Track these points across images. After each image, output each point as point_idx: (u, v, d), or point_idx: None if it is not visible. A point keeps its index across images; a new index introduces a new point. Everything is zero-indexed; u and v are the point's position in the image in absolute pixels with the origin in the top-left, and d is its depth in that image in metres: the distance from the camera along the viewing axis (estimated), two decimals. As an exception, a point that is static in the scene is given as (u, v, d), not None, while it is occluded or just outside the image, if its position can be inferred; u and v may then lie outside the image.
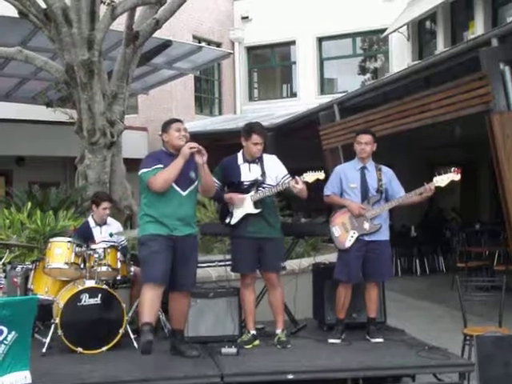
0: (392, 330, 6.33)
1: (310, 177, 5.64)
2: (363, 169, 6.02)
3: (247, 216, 5.73)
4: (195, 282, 5.56)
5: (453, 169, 5.75)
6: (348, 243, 5.90)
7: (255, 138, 5.74)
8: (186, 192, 5.30)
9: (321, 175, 5.68)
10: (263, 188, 5.72)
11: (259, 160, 5.82)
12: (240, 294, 5.91)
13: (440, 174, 5.76)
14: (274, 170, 5.81)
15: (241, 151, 5.89)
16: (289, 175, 5.75)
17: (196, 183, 5.38)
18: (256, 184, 5.73)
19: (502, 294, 5.74)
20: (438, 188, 5.78)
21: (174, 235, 5.24)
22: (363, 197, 5.94)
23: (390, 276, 6.22)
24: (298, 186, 5.54)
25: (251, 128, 5.84)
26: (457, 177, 5.73)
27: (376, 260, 5.90)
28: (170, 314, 5.53)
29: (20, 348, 4.20)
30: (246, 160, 5.82)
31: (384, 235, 5.96)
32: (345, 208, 5.97)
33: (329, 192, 6.04)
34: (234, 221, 5.78)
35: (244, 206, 5.72)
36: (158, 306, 5.30)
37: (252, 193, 5.72)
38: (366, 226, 5.88)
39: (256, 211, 5.70)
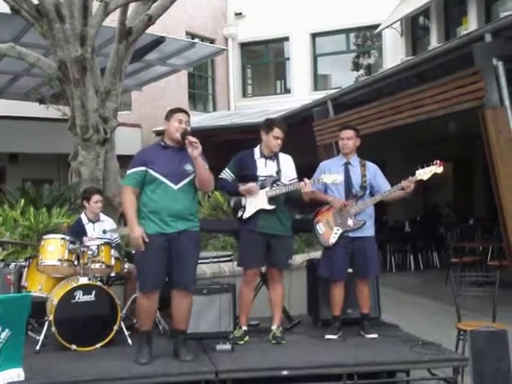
0: (386, 326, 6.34)
1: (328, 178, 5.68)
2: (347, 164, 6.03)
3: (260, 211, 5.72)
4: (195, 281, 5.37)
5: (435, 161, 5.75)
6: (332, 240, 5.91)
7: (277, 131, 5.76)
8: (179, 185, 5.17)
9: (339, 178, 5.73)
10: (278, 185, 5.72)
11: (275, 157, 5.83)
12: (239, 291, 5.89)
13: (422, 167, 5.76)
14: (287, 170, 5.83)
15: (258, 146, 5.89)
16: (297, 179, 5.76)
17: (192, 176, 5.23)
18: (272, 181, 5.73)
19: (496, 289, 5.75)
20: (422, 181, 5.77)
21: (166, 232, 5.15)
22: (347, 193, 5.95)
23: (376, 273, 6.18)
24: (306, 188, 5.58)
25: (273, 122, 5.90)
26: (439, 169, 5.73)
27: (362, 256, 5.90)
28: (171, 312, 5.39)
29: (13, 346, 4.18)
30: (262, 155, 5.83)
31: (369, 231, 5.96)
32: (328, 205, 5.98)
33: (313, 188, 6.03)
34: (246, 215, 5.76)
35: (258, 201, 5.71)
36: (154, 312, 5.39)
37: (267, 188, 5.71)
38: (350, 222, 5.88)
39: (270, 207, 5.70)
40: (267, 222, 5.72)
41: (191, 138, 5.09)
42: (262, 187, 5.73)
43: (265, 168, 5.80)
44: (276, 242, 5.74)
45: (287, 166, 5.86)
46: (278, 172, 5.79)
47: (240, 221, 5.83)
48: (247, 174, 5.80)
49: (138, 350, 5.20)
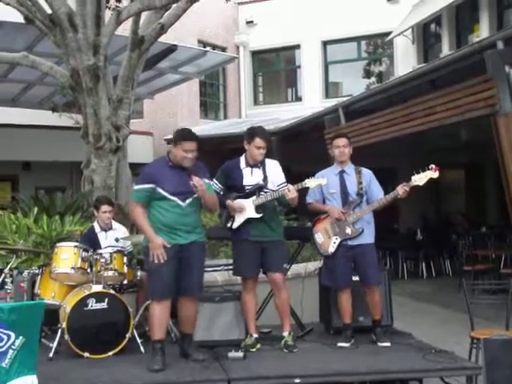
0: (399, 334, 6.31)
1: (312, 182, 5.67)
2: (342, 173, 6.03)
3: (249, 220, 5.74)
4: (202, 287, 5.57)
5: (431, 166, 5.73)
6: (331, 249, 5.91)
7: (258, 141, 5.74)
8: (187, 202, 5.34)
9: (323, 181, 5.73)
10: (265, 192, 5.73)
11: (261, 164, 5.83)
12: (242, 299, 5.90)
13: (418, 173, 5.75)
14: (275, 176, 5.82)
15: (243, 155, 5.89)
16: (286, 184, 5.74)
17: (197, 194, 5.37)
18: (258, 188, 5.74)
19: (509, 297, 5.73)
20: (418, 186, 5.76)
21: (178, 243, 5.29)
22: (343, 201, 5.95)
23: (378, 279, 6.06)
24: (291, 194, 5.55)
25: (254, 131, 5.85)
26: (435, 174, 5.71)
27: (362, 264, 5.89)
28: (178, 317, 5.55)
29: (27, 353, 4.21)
30: (248, 164, 5.83)
31: (368, 238, 5.94)
32: (327, 214, 5.98)
33: (310, 200, 6.05)
34: (235, 225, 5.80)
35: (246, 211, 5.73)
36: (167, 320, 5.44)
37: (254, 197, 5.73)
38: (348, 230, 5.88)
39: (257, 216, 5.71)
40: (258, 230, 5.74)
41: (195, 182, 5.20)
42: (249, 196, 5.73)
43: (251, 176, 5.79)
44: (269, 247, 5.74)
45: (274, 171, 5.84)
46: (265, 179, 5.78)
47: (230, 230, 5.85)
48: (234, 184, 5.81)
49: (151, 358, 5.23)
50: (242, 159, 5.88)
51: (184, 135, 5.35)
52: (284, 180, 5.82)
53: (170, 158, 5.40)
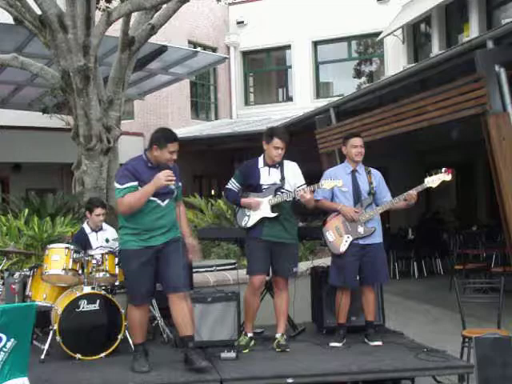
0: (391, 333, 6.33)
1: (328, 184, 5.69)
2: (354, 172, 6.03)
3: (263, 219, 5.75)
4: (188, 284, 5.43)
5: (443, 169, 5.75)
6: (343, 248, 5.90)
7: (276, 141, 5.77)
8: (165, 202, 5.23)
9: (339, 182, 5.75)
10: (281, 193, 5.75)
11: (279, 165, 5.85)
12: (244, 298, 5.90)
13: (431, 175, 5.77)
14: (293, 178, 5.85)
15: (262, 155, 5.93)
16: (305, 185, 5.77)
17: (175, 193, 5.29)
18: (275, 188, 5.76)
19: (500, 296, 5.74)
20: (431, 188, 5.79)
21: (155, 245, 5.18)
22: (355, 200, 5.95)
23: (387, 278, 6.19)
24: (307, 196, 5.60)
25: (273, 132, 5.89)
26: (448, 177, 5.74)
27: (371, 263, 5.90)
28: (173, 321, 5.36)
29: (19, 355, 4.19)
30: (266, 164, 5.86)
31: (378, 238, 5.96)
32: (337, 212, 5.98)
33: (319, 197, 6.02)
34: (250, 223, 5.80)
35: (261, 210, 5.74)
36: (146, 323, 5.40)
37: (270, 196, 5.74)
38: (361, 229, 5.89)
39: (273, 215, 5.73)
40: (272, 230, 5.75)
41: (165, 175, 5.06)
42: (265, 195, 5.76)
43: (268, 176, 5.83)
44: (281, 250, 5.76)
45: (292, 173, 5.88)
46: (282, 180, 5.81)
47: (245, 229, 5.87)
48: (251, 183, 5.85)
49: (134, 361, 5.19)
50: (261, 159, 5.92)
51: (168, 136, 5.19)
52: (303, 182, 5.84)
53: (148, 158, 5.24)
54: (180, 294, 5.22)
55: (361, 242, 5.89)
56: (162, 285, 5.30)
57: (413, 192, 5.77)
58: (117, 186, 5.17)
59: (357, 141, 6.05)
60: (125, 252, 5.26)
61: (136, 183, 5.11)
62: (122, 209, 5.14)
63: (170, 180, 5.05)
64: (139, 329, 5.29)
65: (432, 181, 5.76)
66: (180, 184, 5.34)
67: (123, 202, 5.10)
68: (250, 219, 5.80)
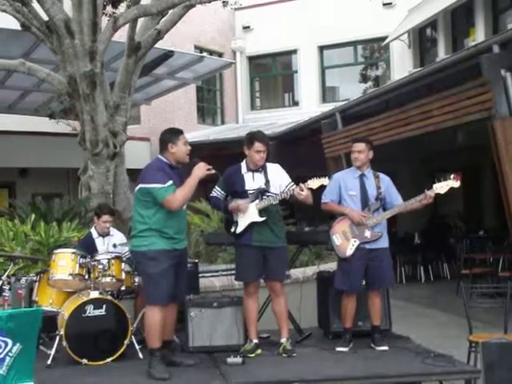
0: (397, 338, 6.30)
1: (315, 183, 5.67)
2: (362, 176, 6.02)
3: (252, 225, 5.73)
4: (197, 288, 5.78)
5: (452, 176, 5.74)
6: (349, 252, 5.89)
7: (257, 145, 5.74)
8: (185, 206, 5.40)
9: (325, 181, 5.72)
10: (267, 196, 5.73)
11: (263, 169, 5.83)
12: (243, 304, 5.90)
13: (439, 181, 5.76)
14: (278, 179, 5.82)
15: (244, 160, 5.90)
16: (293, 183, 5.75)
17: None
18: (260, 192, 5.74)
19: (508, 301, 5.73)
20: (439, 194, 5.78)
21: (179, 248, 5.31)
22: (363, 204, 5.94)
23: (392, 283, 6.19)
24: (303, 192, 5.55)
25: (253, 136, 5.85)
26: (456, 183, 5.73)
27: (378, 268, 5.88)
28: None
29: (24, 360, 4.19)
30: (249, 169, 5.84)
31: (384, 243, 5.95)
32: (344, 216, 5.97)
33: (327, 199, 6.02)
34: (239, 229, 5.78)
35: (249, 215, 5.73)
36: (166, 325, 5.38)
37: (256, 201, 5.73)
38: (368, 234, 5.88)
39: (261, 219, 5.70)
40: (261, 235, 5.72)
41: (204, 166, 5.29)
42: (251, 201, 5.74)
43: (253, 181, 5.79)
44: (272, 254, 5.72)
45: (276, 175, 5.84)
46: (267, 183, 5.77)
47: (234, 236, 5.85)
48: (236, 189, 5.81)
49: (152, 369, 5.12)
50: (243, 165, 5.89)
51: (176, 131, 5.43)
52: (290, 180, 5.81)
53: (167, 159, 5.33)
54: (177, 303, 5.46)
55: (367, 246, 5.88)
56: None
57: (430, 192, 5.74)
58: (158, 185, 5.14)
59: (354, 146, 6.06)
60: (153, 253, 5.18)
61: (172, 181, 5.19)
62: (177, 204, 5.18)
63: (209, 169, 5.21)
64: (159, 332, 5.21)
65: (441, 187, 5.75)
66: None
67: (177, 197, 5.17)
68: (239, 225, 5.77)
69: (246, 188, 5.78)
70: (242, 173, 5.84)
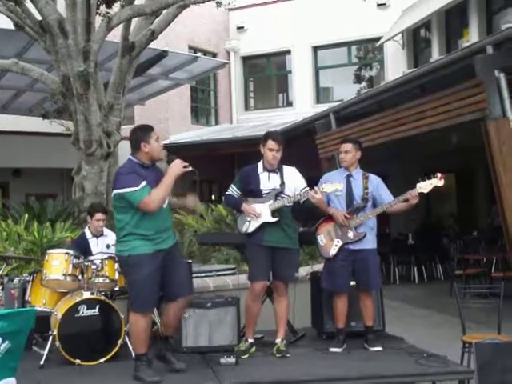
0: (391, 338, 6.31)
1: (329, 187, 5.68)
2: (349, 177, 6.03)
3: (264, 225, 5.74)
4: (192, 287, 5.53)
5: (437, 174, 5.74)
6: (332, 252, 5.91)
7: (270, 143, 5.78)
8: (166, 203, 5.18)
9: (339, 186, 5.74)
10: (282, 198, 5.75)
11: (279, 170, 5.86)
12: (246, 304, 5.87)
13: (423, 180, 5.76)
14: (294, 182, 5.84)
15: (261, 160, 5.93)
16: (308, 188, 5.77)
17: (169, 194, 5.24)
18: (275, 193, 5.76)
19: (501, 301, 5.74)
20: (422, 194, 5.76)
21: (164, 248, 5.13)
22: (348, 204, 5.95)
23: (378, 285, 6.15)
24: (317, 196, 5.59)
25: (267, 134, 5.92)
26: (440, 182, 5.73)
27: (363, 269, 5.89)
28: (165, 322, 5.39)
29: (10, 358, 4.15)
30: (265, 169, 5.87)
31: (370, 244, 5.94)
32: (330, 216, 5.98)
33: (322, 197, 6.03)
34: (251, 229, 5.79)
35: (262, 215, 5.74)
36: (150, 331, 5.30)
37: (270, 201, 5.74)
38: (350, 234, 5.88)
39: (273, 220, 5.72)
40: (272, 236, 5.73)
41: (181, 163, 5.11)
42: (265, 201, 5.76)
43: (268, 181, 5.82)
44: (282, 255, 5.74)
45: (292, 177, 5.87)
46: (282, 184, 5.80)
47: (246, 235, 5.86)
48: (251, 188, 5.84)
49: (141, 373, 5.04)
50: (260, 164, 5.92)
51: (147, 129, 5.28)
52: (305, 185, 5.84)
53: (139, 159, 5.15)
54: (182, 299, 5.26)
55: (351, 246, 5.89)
56: (166, 290, 5.23)
57: (413, 191, 5.73)
58: (131, 189, 4.96)
59: (341, 147, 6.10)
60: (136, 257, 5.04)
61: (145, 182, 5.01)
62: (154, 205, 4.98)
63: (186, 166, 5.06)
64: (145, 338, 5.12)
65: (424, 186, 5.74)
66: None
67: (153, 198, 4.97)
68: (251, 225, 5.79)
69: (261, 187, 5.81)
70: (258, 172, 5.88)
